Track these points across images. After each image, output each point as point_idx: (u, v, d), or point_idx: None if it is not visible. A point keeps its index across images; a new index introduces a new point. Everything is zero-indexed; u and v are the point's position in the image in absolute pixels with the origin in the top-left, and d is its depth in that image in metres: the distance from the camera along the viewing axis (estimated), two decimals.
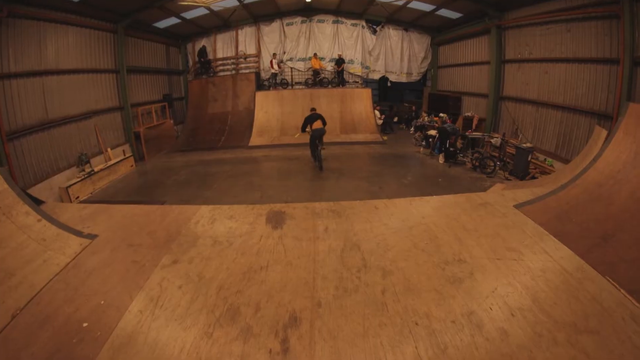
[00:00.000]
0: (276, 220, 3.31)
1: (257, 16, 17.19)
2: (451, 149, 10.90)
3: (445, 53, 17.52)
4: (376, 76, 18.64)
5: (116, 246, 3.15)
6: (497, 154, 10.89)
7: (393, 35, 18.08)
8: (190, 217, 3.57)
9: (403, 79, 18.83)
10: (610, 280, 2.48)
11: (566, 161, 8.99)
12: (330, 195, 7.80)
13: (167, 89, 17.07)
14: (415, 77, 18.95)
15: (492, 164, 9.87)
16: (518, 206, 3.58)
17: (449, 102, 15.74)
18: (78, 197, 9.73)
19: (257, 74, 17.56)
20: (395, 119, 18.08)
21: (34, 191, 8.73)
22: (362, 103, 15.40)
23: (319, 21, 17.62)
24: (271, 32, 17.79)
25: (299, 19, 17.49)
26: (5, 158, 8.15)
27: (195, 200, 8.16)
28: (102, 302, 2.48)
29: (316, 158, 10.51)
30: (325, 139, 13.87)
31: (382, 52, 18.24)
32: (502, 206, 3.61)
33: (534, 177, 9.28)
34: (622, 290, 2.37)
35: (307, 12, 17.29)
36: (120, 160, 12.09)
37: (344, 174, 9.82)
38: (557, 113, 10.22)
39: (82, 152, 10.79)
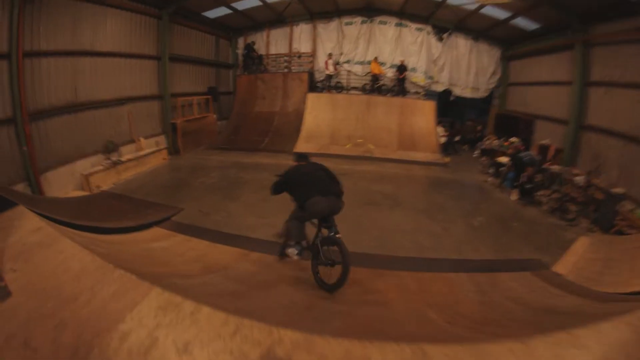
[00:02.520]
0: None
1: (314, 13, 15.99)
2: (528, 184, 8.94)
3: (516, 69, 15.46)
4: (439, 88, 16.68)
5: (12, 334, 1.77)
6: (577, 196, 8.88)
7: (460, 45, 16.14)
8: (120, 317, 2.02)
9: (468, 93, 16.78)
10: None
11: None
12: (381, 234, 6.14)
13: (214, 82, 16.34)
14: (482, 93, 16.79)
15: (575, 209, 7.91)
16: None
17: (519, 125, 13.65)
18: (99, 186, 9.12)
19: (311, 74, 16.23)
20: (457, 138, 16.07)
21: (55, 175, 8.52)
22: (424, 117, 13.59)
23: (381, 23, 16.01)
24: (328, 31, 16.47)
25: (359, 19, 16.01)
26: (25, 139, 7.66)
27: (215, 215, 6.89)
28: None
29: (313, 270, 4.13)
30: (381, 153, 11.94)
31: (447, 62, 16.30)
32: None
33: (621, 232, 7.26)
34: None
35: (368, 12, 15.81)
36: (152, 152, 11.38)
37: (399, 203, 8.06)
38: None
39: (109, 140, 10.08)
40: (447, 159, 12.79)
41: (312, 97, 14.72)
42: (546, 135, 12.59)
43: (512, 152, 10.57)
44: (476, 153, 14.63)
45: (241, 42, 17.55)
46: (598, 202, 8.32)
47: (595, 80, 10.40)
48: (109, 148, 9.97)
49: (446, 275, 4.88)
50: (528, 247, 6.15)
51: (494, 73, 16.47)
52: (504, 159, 10.87)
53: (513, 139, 12.97)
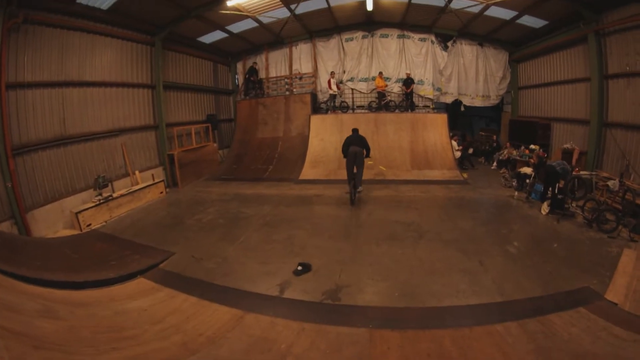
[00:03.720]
0: None
1: (313, 31, 15.46)
2: (559, 195, 7.91)
3: (526, 71, 14.69)
4: (448, 99, 15.89)
5: None
6: (610, 202, 8.03)
7: (466, 52, 15.48)
8: None
9: (478, 102, 15.98)
10: None
11: None
12: (408, 278, 5.07)
13: (213, 109, 15.79)
14: (493, 100, 15.99)
15: (614, 218, 6.88)
16: None
17: (537, 131, 12.74)
18: (90, 224, 8.42)
19: (314, 95, 15.55)
20: (470, 151, 15.08)
21: (43, 212, 7.98)
22: (436, 131, 12.70)
23: (382, 36, 15.41)
24: (329, 49, 15.92)
25: (359, 34, 15.45)
26: (9, 174, 7.18)
27: (209, 261, 5.93)
28: None
29: (351, 184, 9.21)
30: (394, 175, 11.83)
31: (454, 71, 15.61)
32: None
33: None
34: None
35: (369, 26, 15.26)
36: (147, 186, 10.60)
37: (423, 234, 6.96)
38: None
39: (99, 174, 9.45)
40: (465, 175, 11.82)
41: (316, 120, 13.93)
42: (565, 139, 11.84)
43: (537, 162, 9.71)
44: (494, 165, 13.71)
45: (240, 67, 17.12)
46: (635, 207, 7.43)
47: (615, 72, 9.69)
48: (99, 183, 9.30)
49: (492, 328, 3.92)
50: (574, 272, 5.24)
51: (503, 78, 15.77)
52: (527, 170, 9.98)
53: (533, 146, 12.12)
